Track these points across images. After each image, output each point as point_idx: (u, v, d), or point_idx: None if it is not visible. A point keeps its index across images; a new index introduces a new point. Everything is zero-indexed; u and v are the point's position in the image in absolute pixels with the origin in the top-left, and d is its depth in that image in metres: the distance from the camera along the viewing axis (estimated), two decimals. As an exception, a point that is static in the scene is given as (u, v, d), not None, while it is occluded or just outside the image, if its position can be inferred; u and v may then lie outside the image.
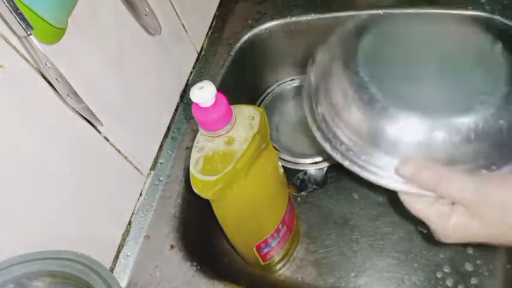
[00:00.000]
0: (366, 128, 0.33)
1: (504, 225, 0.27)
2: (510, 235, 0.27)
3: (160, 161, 0.55)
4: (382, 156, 0.32)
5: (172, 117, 0.59)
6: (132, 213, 0.52)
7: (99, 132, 0.44)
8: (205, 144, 0.38)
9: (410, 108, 0.31)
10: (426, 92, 0.32)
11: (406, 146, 0.31)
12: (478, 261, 0.53)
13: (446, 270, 0.53)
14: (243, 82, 0.69)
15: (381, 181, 0.33)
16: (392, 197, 0.59)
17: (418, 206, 0.32)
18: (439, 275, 0.52)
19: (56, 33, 0.35)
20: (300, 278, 0.56)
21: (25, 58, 0.35)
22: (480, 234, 0.28)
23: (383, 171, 0.33)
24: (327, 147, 0.36)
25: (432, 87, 0.32)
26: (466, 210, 0.28)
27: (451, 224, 0.29)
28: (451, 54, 0.34)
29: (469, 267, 0.52)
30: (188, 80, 0.63)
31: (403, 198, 0.33)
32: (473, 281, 0.51)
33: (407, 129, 0.31)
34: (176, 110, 0.60)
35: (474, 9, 0.56)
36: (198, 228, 0.55)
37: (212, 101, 0.35)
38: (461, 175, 0.28)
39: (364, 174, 0.34)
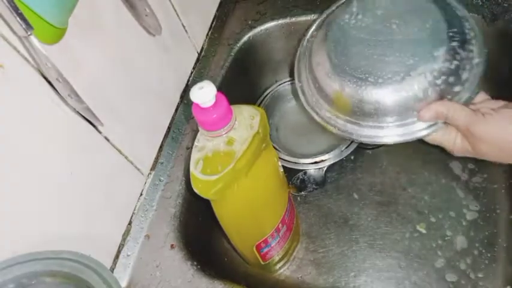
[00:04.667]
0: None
1: (488, 153, 0.38)
2: (493, 159, 0.39)
3: (161, 161, 0.55)
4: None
5: (173, 117, 0.59)
6: (133, 213, 0.52)
7: (100, 132, 0.44)
8: (205, 144, 0.38)
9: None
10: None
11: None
12: (478, 261, 0.53)
13: (445, 269, 0.53)
14: (243, 82, 0.69)
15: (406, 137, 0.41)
16: (391, 197, 0.59)
17: (436, 137, 0.41)
18: (438, 274, 0.53)
19: (56, 33, 0.35)
20: (299, 278, 0.56)
21: (25, 58, 0.35)
22: (476, 155, 0.40)
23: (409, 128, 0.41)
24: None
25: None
26: (464, 136, 0.39)
27: (456, 145, 0.41)
28: (399, 30, 0.42)
29: (468, 266, 0.53)
30: (188, 80, 0.63)
31: (426, 138, 0.41)
32: (473, 280, 0.52)
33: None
34: (176, 110, 0.60)
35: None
36: (198, 228, 0.56)
37: (212, 101, 0.35)
38: (464, 110, 0.38)
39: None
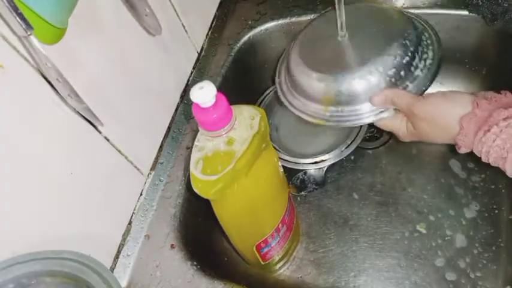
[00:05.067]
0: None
1: (429, 132, 0.41)
2: (433, 138, 0.41)
3: (161, 161, 0.55)
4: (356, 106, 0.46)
5: (173, 117, 0.59)
6: (133, 213, 0.52)
7: (100, 132, 0.44)
8: (205, 144, 0.38)
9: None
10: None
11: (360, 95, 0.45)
12: (478, 260, 0.53)
13: (445, 269, 0.53)
14: (243, 82, 0.69)
15: (362, 121, 0.46)
16: (391, 197, 0.59)
17: (386, 122, 0.45)
18: (438, 274, 0.53)
19: (56, 33, 0.35)
20: (299, 278, 0.56)
21: (25, 58, 0.35)
22: (419, 137, 0.43)
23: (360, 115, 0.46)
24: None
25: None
26: (409, 119, 0.43)
27: (405, 131, 0.44)
28: (360, 32, 0.48)
29: (468, 266, 0.53)
30: (188, 80, 0.63)
31: (377, 123, 0.46)
32: (473, 280, 0.52)
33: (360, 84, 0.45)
34: (176, 110, 0.60)
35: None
36: (198, 228, 0.56)
37: (212, 101, 0.35)
38: (408, 94, 0.43)
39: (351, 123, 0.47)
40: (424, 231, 0.56)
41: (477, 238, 0.54)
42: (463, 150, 0.39)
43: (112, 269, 0.48)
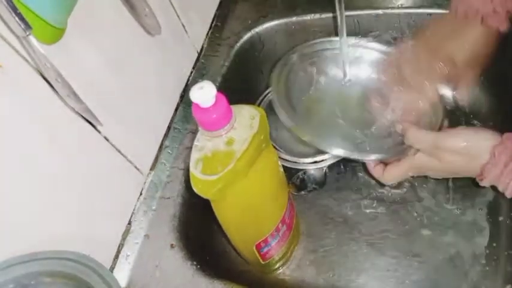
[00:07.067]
0: None
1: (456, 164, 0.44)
2: (459, 170, 0.45)
3: (161, 160, 0.55)
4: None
5: (173, 117, 0.59)
6: (132, 213, 0.52)
7: (99, 132, 0.44)
8: (205, 144, 0.38)
9: None
10: None
11: None
12: (478, 259, 0.53)
13: (446, 268, 0.53)
14: (243, 82, 0.69)
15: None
16: (391, 197, 0.59)
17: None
18: (438, 273, 0.53)
19: (55, 33, 0.35)
20: (299, 278, 0.56)
21: (24, 58, 0.35)
22: (442, 167, 0.46)
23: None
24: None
25: None
26: (431, 154, 0.46)
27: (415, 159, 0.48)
28: None
29: (468, 265, 0.52)
30: (188, 80, 0.63)
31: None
32: (473, 279, 0.51)
33: None
34: (176, 110, 0.60)
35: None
36: (198, 228, 0.55)
37: (212, 101, 0.35)
38: (421, 132, 0.46)
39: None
40: (423, 230, 0.56)
41: (477, 237, 0.54)
42: (485, 182, 0.41)
43: (112, 269, 0.48)
